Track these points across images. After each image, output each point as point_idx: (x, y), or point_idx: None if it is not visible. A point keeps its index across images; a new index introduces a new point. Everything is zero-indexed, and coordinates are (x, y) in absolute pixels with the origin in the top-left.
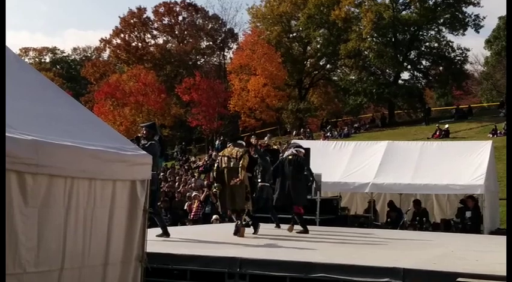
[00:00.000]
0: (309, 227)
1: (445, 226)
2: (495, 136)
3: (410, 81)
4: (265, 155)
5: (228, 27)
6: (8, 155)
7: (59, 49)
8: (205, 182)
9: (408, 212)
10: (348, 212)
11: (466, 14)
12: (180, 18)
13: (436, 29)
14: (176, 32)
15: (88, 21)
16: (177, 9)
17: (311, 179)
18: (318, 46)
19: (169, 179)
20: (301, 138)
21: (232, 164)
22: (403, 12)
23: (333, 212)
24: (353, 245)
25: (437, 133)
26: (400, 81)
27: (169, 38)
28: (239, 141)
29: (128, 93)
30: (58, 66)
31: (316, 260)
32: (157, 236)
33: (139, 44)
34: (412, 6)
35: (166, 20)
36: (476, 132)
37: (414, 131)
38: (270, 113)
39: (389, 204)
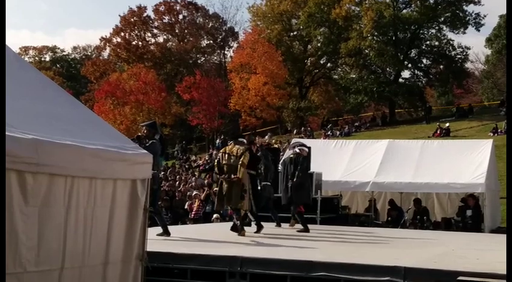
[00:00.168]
0: (310, 226)
1: (446, 225)
2: (496, 135)
3: (411, 79)
4: (268, 154)
5: (228, 25)
6: (9, 154)
7: (59, 48)
8: (206, 181)
9: (409, 211)
10: (349, 210)
11: (467, 13)
12: (181, 16)
13: (436, 28)
14: (176, 31)
15: (88, 20)
16: (178, 7)
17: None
18: (319, 45)
19: (169, 178)
20: (302, 137)
21: (232, 161)
22: (404, 11)
23: (334, 211)
24: (354, 243)
25: (438, 132)
26: (400, 80)
27: (170, 36)
28: (240, 139)
29: (128, 92)
30: (58, 65)
31: (317, 259)
32: (158, 235)
33: (140, 43)
34: (413, 5)
35: (166, 19)
36: (477, 131)
37: (415, 130)
38: (271, 111)
39: (390, 203)
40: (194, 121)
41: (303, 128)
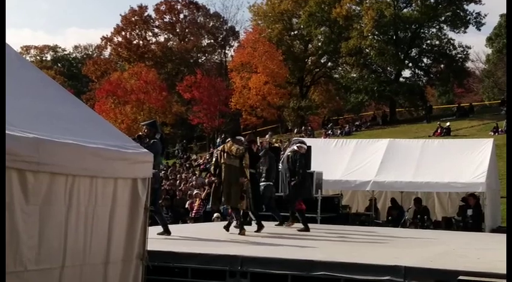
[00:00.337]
0: (310, 225)
1: (446, 224)
2: (496, 134)
3: (412, 79)
4: (272, 155)
5: (229, 25)
6: (10, 153)
7: (60, 47)
8: (207, 180)
9: (409, 210)
10: (349, 210)
11: (468, 12)
12: (182, 16)
13: (437, 27)
14: (177, 30)
15: (89, 19)
16: (179, 7)
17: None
18: (319, 44)
19: (170, 177)
20: (302, 136)
21: (231, 160)
22: (405, 10)
23: (334, 210)
24: (354, 243)
25: (439, 131)
26: (401, 79)
27: (171, 36)
28: (238, 137)
29: (129, 91)
30: (59, 64)
31: (318, 258)
32: (159, 234)
33: (141, 42)
34: (414, 4)
35: (167, 18)
36: (478, 130)
37: (415, 129)
38: (271, 110)
39: (392, 201)
40: (195, 120)
41: (303, 127)
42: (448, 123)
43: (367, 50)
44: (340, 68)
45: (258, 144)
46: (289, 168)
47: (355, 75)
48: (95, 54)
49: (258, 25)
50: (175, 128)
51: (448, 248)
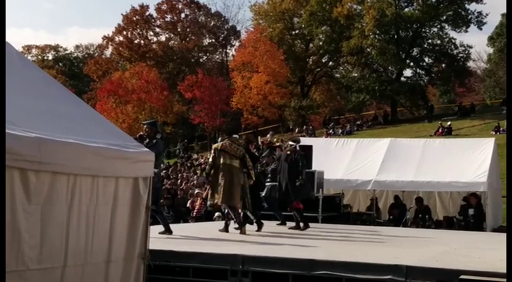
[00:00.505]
0: (311, 225)
1: (448, 223)
2: (498, 133)
3: (413, 78)
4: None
5: (230, 24)
6: (11, 152)
7: (61, 47)
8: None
9: (411, 210)
10: (351, 209)
11: (469, 11)
12: (183, 15)
13: (438, 26)
14: (179, 30)
15: (91, 18)
16: (180, 6)
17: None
18: (321, 43)
19: (171, 177)
20: (304, 136)
21: (231, 160)
22: (406, 9)
23: (336, 210)
24: (355, 242)
25: (440, 130)
26: (402, 79)
27: (172, 35)
28: (235, 136)
29: (130, 91)
30: (61, 64)
31: (319, 258)
32: (160, 233)
33: (142, 42)
34: (415, 3)
35: (168, 18)
36: (479, 130)
37: (417, 128)
38: (273, 110)
39: (395, 198)
40: (196, 120)
41: (304, 127)
42: (449, 123)
43: (368, 50)
44: (341, 68)
45: (259, 143)
46: (289, 168)
47: (356, 74)
48: (96, 54)
49: (259, 24)
50: (177, 127)
51: (450, 248)
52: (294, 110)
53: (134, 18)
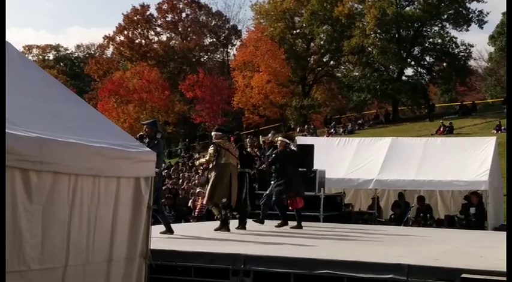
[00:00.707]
0: (313, 224)
1: (449, 222)
2: (499, 132)
3: (414, 77)
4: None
5: (231, 23)
6: (13, 153)
7: (62, 46)
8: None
9: (412, 208)
10: (352, 208)
11: (470, 10)
12: (184, 15)
13: (439, 25)
14: (180, 29)
15: (92, 18)
16: (181, 6)
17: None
18: (322, 42)
19: (173, 176)
20: (305, 135)
21: (232, 159)
22: (407, 8)
23: (337, 209)
24: (357, 241)
25: (441, 129)
26: (403, 78)
27: (173, 35)
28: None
29: (131, 91)
30: (62, 64)
31: (320, 257)
32: (161, 233)
33: (143, 41)
34: (416, 2)
35: (169, 17)
36: (481, 128)
37: (418, 127)
38: (274, 109)
39: (399, 195)
40: (197, 119)
41: (306, 126)
42: (450, 122)
43: (369, 49)
44: (342, 67)
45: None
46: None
47: (357, 73)
48: (97, 54)
49: (260, 24)
50: (178, 127)
51: (451, 246)
52: (295, 109)
53: (135, 18)
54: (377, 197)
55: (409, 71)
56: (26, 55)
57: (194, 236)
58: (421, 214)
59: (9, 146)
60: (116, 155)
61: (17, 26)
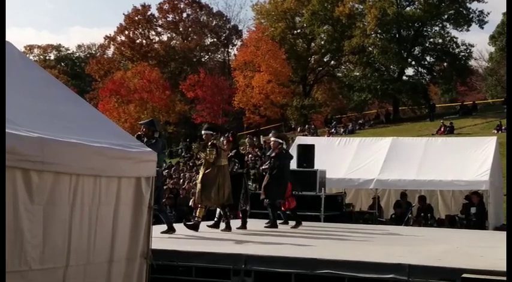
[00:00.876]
0: (314, 224)
1: (450, 222)
2: (500, 132)
3: (415, 77)
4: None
5: (232, 24)
6: (14, 153)
7: (63, 46)
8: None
9: (413, 208)
10: (353, 208)
11: (470, 10)
12: (185, 15)
13: (440, 25)
14: (180, 29)
15: (93, 18)
16: (182, 6)
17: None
18: (322, 42)
19: (174, 176)
20: (306, 135)
21: (225, 160)
22: (407, 8)
23: (338, 209)
24: (358, 241)
25: (442, 129)
26: (404, 77)
27: (174, 35)
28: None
29: (132, 90)
30: (63, 64)
31: (321, 257)
32: (162, 232)
33: (144, 41)
34: (416, 2)
35: (170, 17)
36: (481, 128)
37: (419, 127)
38: (275, 109)
39: (401, 195)
40: (198, 119)
41: (306, 126)
42: (451, 122)
43: (370, 49)
44: (343, 67)
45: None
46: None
47: (358, 73)
48: (98, 54)
49: (261, 24)
50: (179, 126)
51: (452, 246)
52: (296, 109)
53: (136, 18)
54: (378, 196)
55: (409, 71)
56: (27, 55)
57: (195, 236)
58: (422, 214)
59: (10, 146)
60: (116, 155)
61: (18, 26)
